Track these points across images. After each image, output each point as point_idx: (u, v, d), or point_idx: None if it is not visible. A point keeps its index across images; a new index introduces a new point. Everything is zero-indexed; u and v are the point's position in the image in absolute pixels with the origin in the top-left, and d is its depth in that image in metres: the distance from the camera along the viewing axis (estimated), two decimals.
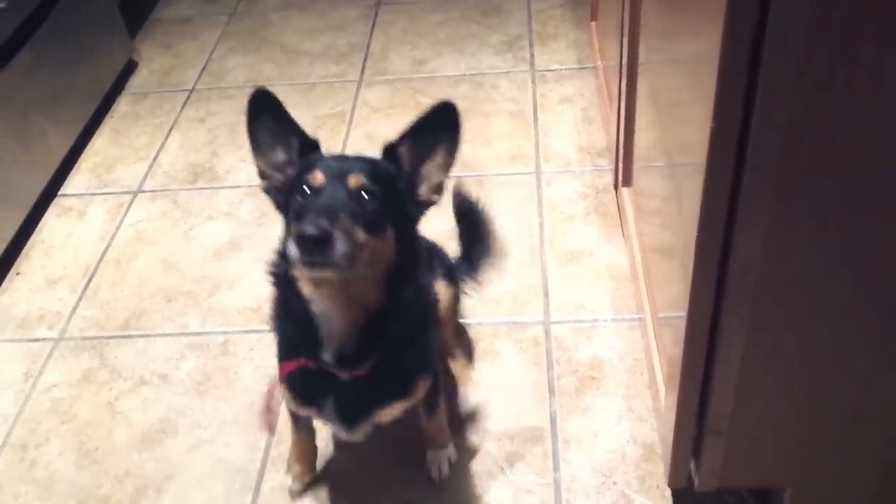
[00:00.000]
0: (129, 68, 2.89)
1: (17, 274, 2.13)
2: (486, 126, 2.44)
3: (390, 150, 1.17)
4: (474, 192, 2.17)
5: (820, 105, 0.86)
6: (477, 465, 1.56)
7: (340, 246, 1.01)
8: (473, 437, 1.61)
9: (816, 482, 1.27)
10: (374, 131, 2.46)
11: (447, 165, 1.17)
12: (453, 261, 1.70)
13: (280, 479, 1.58)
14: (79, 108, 2.54)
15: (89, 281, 2.08)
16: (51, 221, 2.29)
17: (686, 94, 1.10)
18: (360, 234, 1.06)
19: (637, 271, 1.63)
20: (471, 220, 1.78)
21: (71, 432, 1.72)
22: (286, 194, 1.15)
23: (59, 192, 2.39)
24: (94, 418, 1.74)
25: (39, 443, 1.70)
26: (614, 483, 1.51)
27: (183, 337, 1.90)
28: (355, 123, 2.52)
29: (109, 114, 2.70)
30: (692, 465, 1.28)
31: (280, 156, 1.18)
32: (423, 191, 1.19)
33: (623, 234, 1.95)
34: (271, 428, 1.51)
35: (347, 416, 1.26)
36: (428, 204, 1.20)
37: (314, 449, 1.55)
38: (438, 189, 1.19)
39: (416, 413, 1.47)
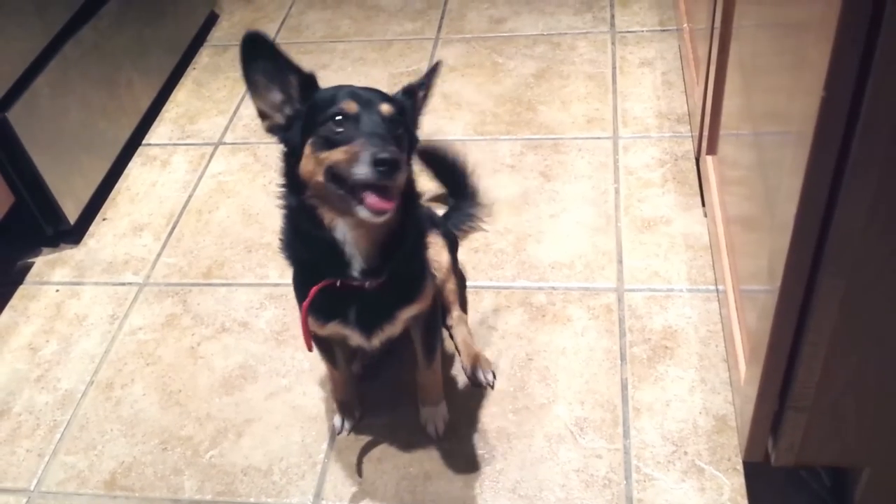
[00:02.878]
0: (211, 20, 2.93)
1: (104, 220, 2.21)
2: (563, 88, 2.41)
3: (411, 90, 1.30)
4: (549, 155, 2.19)
5: None
6: (546, 428, 1.58)
7: (404, 167, 1.15)
8: (542, 399, 1.63)
9: None
10: (450, 91, 2.45)
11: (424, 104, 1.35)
12: (440, 215, 1.90)
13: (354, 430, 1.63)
14: (162, 59, 2.60)
15: (173, 229, 2.14)
16: (136, 170, 2.36)
17: (789, 61, 1.06)
18: (404, 157, 1.18)
19: (719, 242, 1.59)
20: (445, 167, 1.98)
21: (155, 374, 1.79)
22: (299, 129, 1.22)
23: (144, 142, 2.45)
24: (176, 362, 1.81)
25: (125, 383, 1.78)
26: (685, 453, 1.50)
27: (263, 287, 1.95)
28: None
29: (192, 65, 2.75)
30: (769, 440, 1.26)
31: (278, 96, 1.24)
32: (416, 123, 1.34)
33: (703, 203, 1.91)
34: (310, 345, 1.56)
35: (368, 323, 1.36)
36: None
37: (353, 381, 1.64)
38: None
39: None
